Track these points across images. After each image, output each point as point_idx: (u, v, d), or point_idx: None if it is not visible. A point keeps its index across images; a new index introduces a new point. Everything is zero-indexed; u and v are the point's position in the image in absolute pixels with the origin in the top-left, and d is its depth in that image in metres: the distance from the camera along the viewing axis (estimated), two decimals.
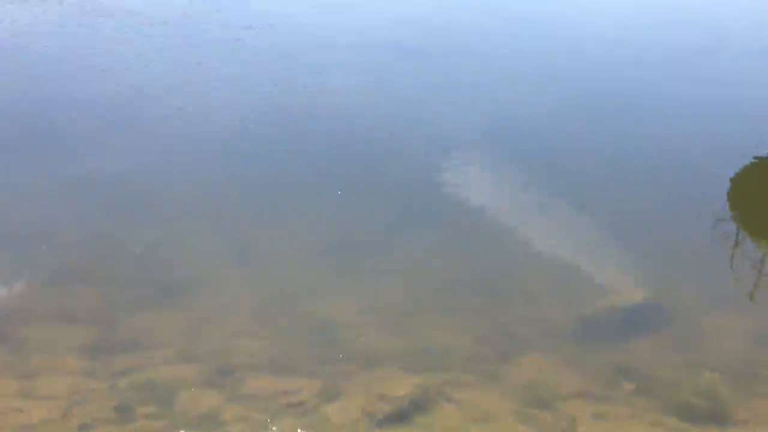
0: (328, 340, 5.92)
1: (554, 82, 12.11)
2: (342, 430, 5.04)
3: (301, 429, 4.99)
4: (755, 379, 5.90)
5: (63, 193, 7.50)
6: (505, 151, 9.39)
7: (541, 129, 10.23)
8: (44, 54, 10.90)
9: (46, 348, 5.55)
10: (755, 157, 9.95)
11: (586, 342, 6.22)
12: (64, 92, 9.67)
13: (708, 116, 11.35)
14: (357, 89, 10.68)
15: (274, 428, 4.96)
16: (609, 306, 6.65)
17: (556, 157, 9.48)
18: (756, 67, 14.11)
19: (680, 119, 11.12)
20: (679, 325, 6.54)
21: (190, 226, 7.18)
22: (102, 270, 6.43)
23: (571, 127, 10.42)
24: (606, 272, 7.12)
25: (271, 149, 8.83)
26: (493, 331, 6.28)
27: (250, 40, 12.34)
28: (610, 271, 7.15)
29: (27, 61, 10.67)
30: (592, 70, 12.91)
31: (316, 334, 5.97)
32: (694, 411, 5.53)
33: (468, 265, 7.11)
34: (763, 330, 6.58)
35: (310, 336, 5.95)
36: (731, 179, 9.32)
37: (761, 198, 9.40)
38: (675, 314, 6.67)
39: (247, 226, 7.30)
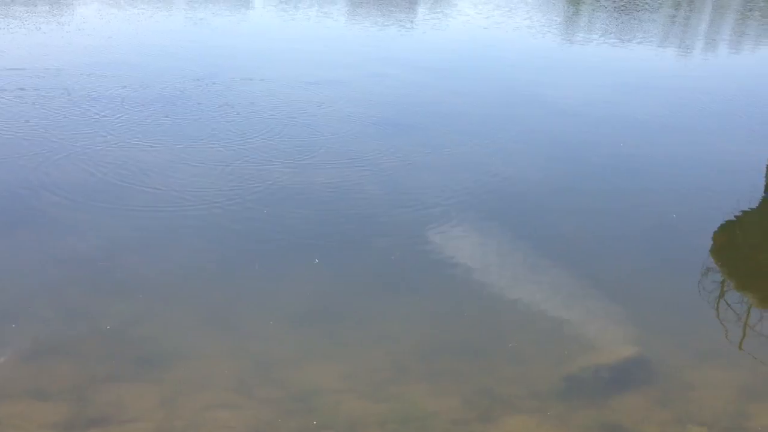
0: (308, 408, 5.80)
1: (534, 147, 12.31)
2: None
3: None
4: None
5: (37, 271, 7.42)
6: (486, 214, 9.44)
7: (520, 192, 10.32)
8: (17, 137, 10.98)
9: (18, 425, 5.41)
10: (735, 216, 10.06)
11: (573, 401, 6.12)
12: (39, 175, 9.65)
13: (685, 174, 11.51)
14: (334, 161, 10.79)
15: None
16: (595, 363, 6.58)
17: (537, 218, 9.55)
18: (725, 128, 14.43)
19: (659, 178, 11.27)
20: (665, 380, 6.46)
21: (166, 299, 7.10)
22: (76, 345, 6.31)
23: (550, 188, 10.54)
24: (591, 329, 7.08)
25: (247, 220, 8.82)
26: (478, 393, 6.17)
27: (229, 118, 12.54)
28: (595, 328, 7.11)
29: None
30: (571, 136, 13.13)
31: (296, 403, 5.84)
32: None
33: (451, 328, 7.04)
34: (749, 382, 6.50)
35: (290, 405, 5.82)
36: (714, 233, 9.41)
37: (744, 249, 9.46)
38: (661, 369, 6.60)
39: (225, 297, 7.22)
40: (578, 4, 36.45)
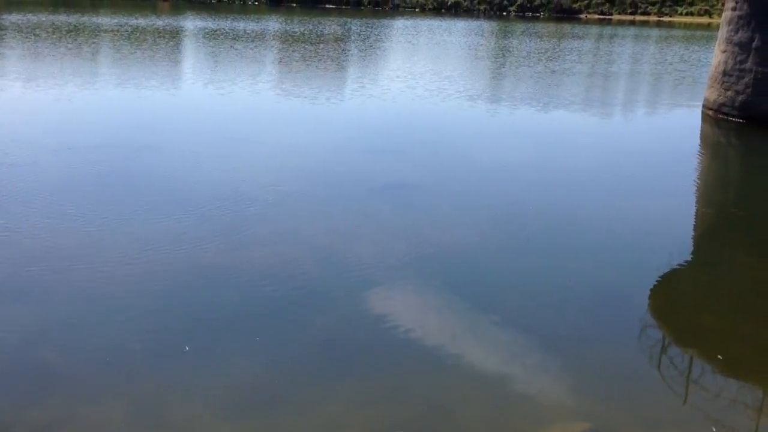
0: None
1: (466, 213, 12.33)
2: None
3: None
4: None
5: None
6: (425, 284, 9.26)
7: (457, 260, 10.21)
8: None
9: None
10: (670, 273, 10.17)
11: None
12: None
13: (615, 232, 11.67)
14: (267, 238, 10.53)
15: None
16: None
17: (474, 287, 9.41)
18: (648, 186, 14.80)
19: (590, 237, 11.39)
20: None
21: (89, 396, 6.57)
22: None
23: (485, 255, 10.48)
24: (539, 402, 6.86)
25: (177, 302, 8.42)
26: None
27: (154, 196, 12.20)
28: (543, 400, 6.89)
29: None
30: (501, 200, 13.22)
31: None
32: None
33: (397, 408, 6.70)
34: None
35: None
36: (650, 290, 9.46)
37: (685, 310, 9.52)
38: None
39: (154, 388, 6.73)
40: (500, 67, 37.61)
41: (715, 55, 24.30)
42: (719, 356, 7.89)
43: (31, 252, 9.49)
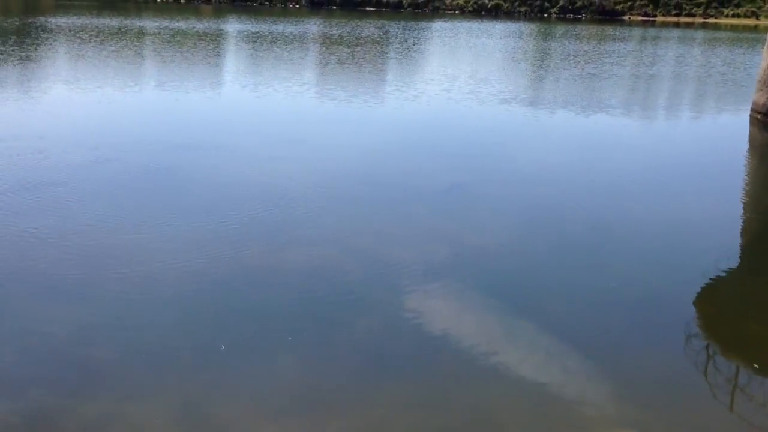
0: None
1: (506, 216, 12.16)
2: None
3: None
4: None
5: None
6: (465, 287, 9.17)
7: (497, 264, 10.10)
8: None
9: None
10: (715, 279, 9.90)
11: None
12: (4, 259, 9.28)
13: (658, 236, 11.40)
14: (308, 239, 10.50)
15: None
16: None
17: (515, 290, 9.31)
18: (691, 190, 14.48)
19: (632, 241, 11.14)
20: None
21: (136, 394, 6.65)
22: None
23: (525, 258, 10.34)
24: (584, 409, 6.74)
25: (221, 305, 8.45)
26: None
27: (197, 197, 12.26)
28: (588, 407, 6.77)
29: None
30: (541, 203, 13.02)
31: None
32: None
33: (439, 412, 6.66)
34: None
35: None
36: (696, 296, 9.22)
37: (727, 312, 9.27)
38: None
39: (200, 388, 6.80)
40: (540, 70, 37.22)
41: (763, 58, 23.69)
42: (755, 365, 7.65)
43: (81, 252, 9.62)
